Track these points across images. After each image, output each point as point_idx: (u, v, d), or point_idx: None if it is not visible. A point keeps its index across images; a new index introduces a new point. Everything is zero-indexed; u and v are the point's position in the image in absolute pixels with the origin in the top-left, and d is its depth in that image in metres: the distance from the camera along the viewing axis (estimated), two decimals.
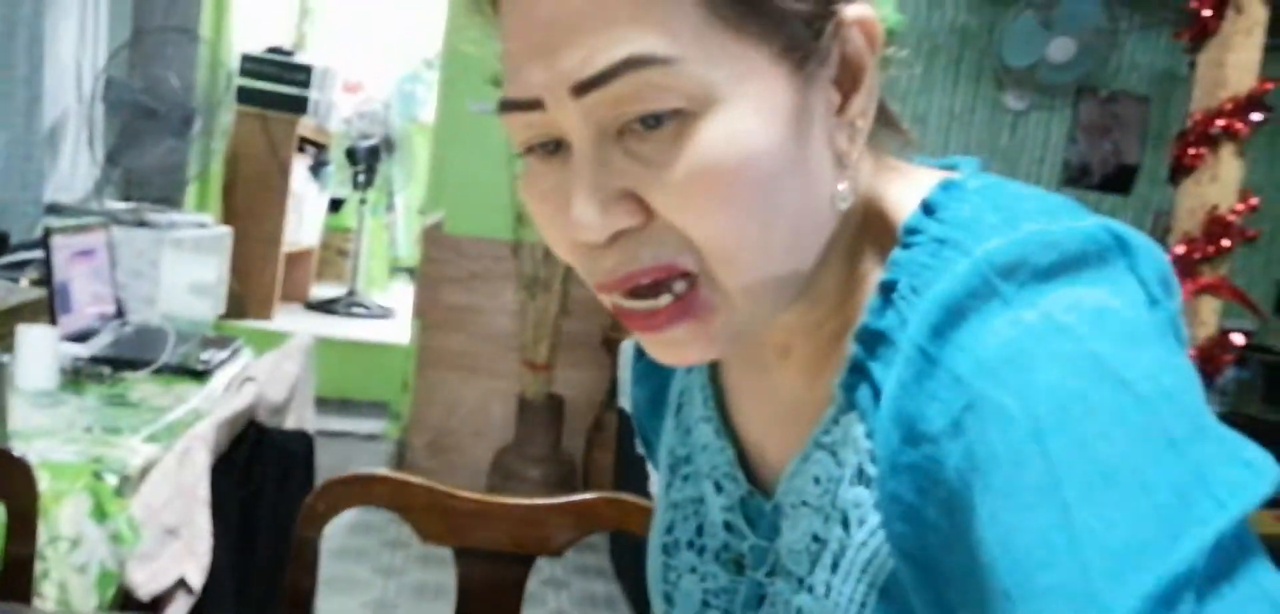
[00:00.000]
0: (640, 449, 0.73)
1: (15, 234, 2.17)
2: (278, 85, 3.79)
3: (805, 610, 0.49)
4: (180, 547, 1.30)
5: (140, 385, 1.65)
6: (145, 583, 1.24)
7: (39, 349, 1.53)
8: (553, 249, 0.46)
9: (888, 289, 0.45)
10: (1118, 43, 3.46)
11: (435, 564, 2.76)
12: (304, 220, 4.22)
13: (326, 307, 4.33)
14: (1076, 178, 3.57)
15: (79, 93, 2.60)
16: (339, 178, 4.45)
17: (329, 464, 1.14)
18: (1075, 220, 0.41)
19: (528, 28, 0.42)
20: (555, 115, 0.42)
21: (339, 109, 4.39)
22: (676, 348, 0.45)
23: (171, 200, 2.89)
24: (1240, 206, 1.88)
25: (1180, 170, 1.93)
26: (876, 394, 0.44)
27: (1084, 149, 3.56)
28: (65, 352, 1.64)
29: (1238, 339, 1.93)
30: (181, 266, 2.24)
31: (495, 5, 0.45)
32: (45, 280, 1.78)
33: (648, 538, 1.01)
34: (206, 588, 1.30)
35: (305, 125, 3.90)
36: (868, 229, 0.48)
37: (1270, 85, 1.92)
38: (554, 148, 0.44)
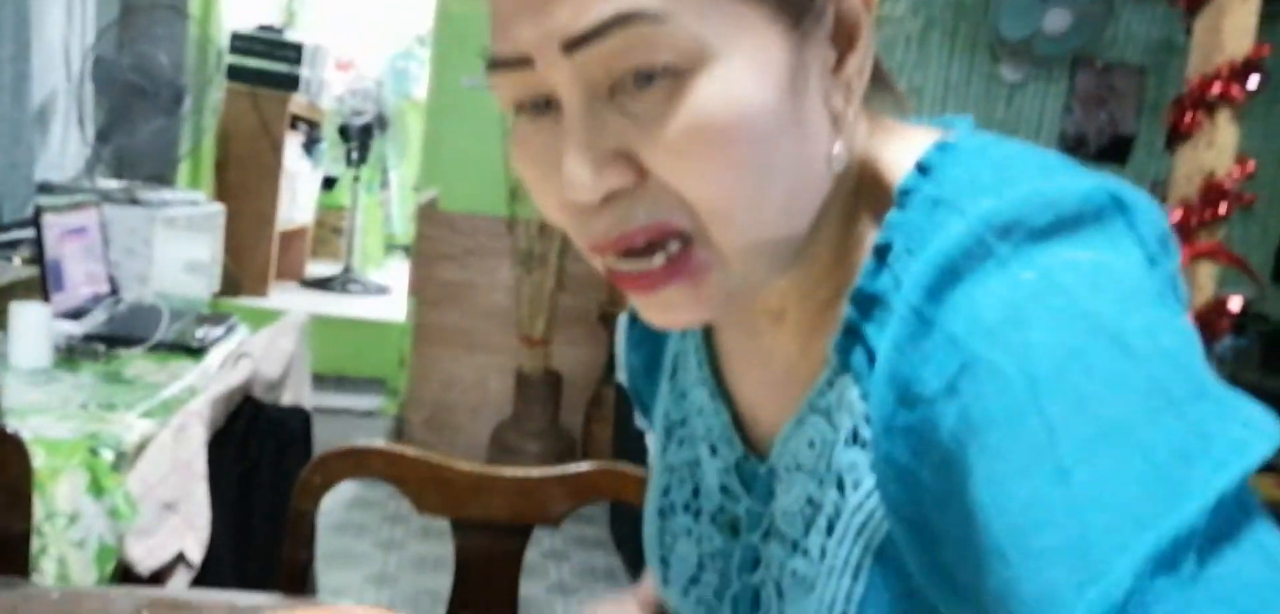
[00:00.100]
0: (638, 415, 0.73)
1: (6, 213, 2.15)
2: (268, 63, 3.76)
3: (800, 573, 0.49)
4: (179, 521, 1.30)
5: (135, 362, 1.65)
6: (144, 558, 1.24)
7: (32, 327, 1.52)
8: (544, 212, 0.46)
9: (882, 251, 0.44)
10: (1114, 13, 3.44)
11: (435, 537, 2.77)
12: (298, 198, 4.20)
13: (322, 284, 4.31)
14: (1073, 149, 3.56)
15: (68, 71, 2.58)
16: (332, 156, 4.43)
17: (327, 440, 1.13)
18: (1072, 179, 0.40)
19: None
20: (545, 73, 0.41)
21: (331, 87, 4.36)
22: (670, 310, 0.44)
23: (163, 178, 2.87)
24: (1237, 172, 1.88)
25: (1177, 136, 1.92)
26: (871, 356, 0.44)
27: (1080, 120, 3.55)
28: (59, 329, 1.63)
29: (1235, 305, 1.93)
30: (175, 245, 2.23)
31: None
32: (37, 259, 1.77)
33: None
34: (205, 562, 1.30)
35: (297, 103, 3.87)
36: (863, 191, 0.47)
37: (1267, 50, 1.91)
38: (544, 107, 0.43)
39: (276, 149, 3.77)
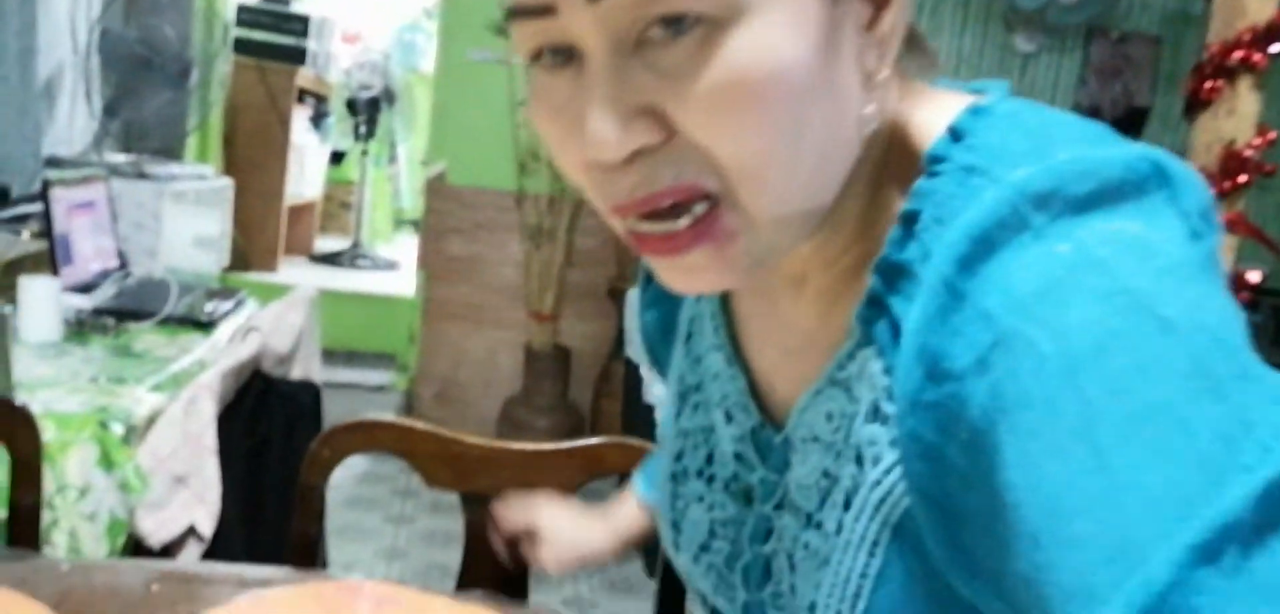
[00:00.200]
0: (646, 388, 0.73)
1: (15, 187, 2.15)
2: (275, 35, 3.74)
3: (813, 547, 0.48)
4: (189, 495, 1.30)
5: (144, 336, 1.65)
6: (155, 531, 1.24)
7: (42, 300, 1.52)
8: (562, 170, 0.44)
9: (910, 219, 0.43)
10: None
11: (444, 511, 2.78)
12: (306, 172, 4.20)
13: (331, 259, 4.32)
14: None
15: (74, 45, 2.57)
16: (340, 129, 4.42)
17: (337, 415, 1.13)
18: (1113, 147, 0.38)
19: None
20: (567, 21, 0.39)
21: (338, 60, 4.34)
22: (693, 274, 0.42)
23: (171, 152, 2.86)
24: (1258, 141, 1.84)
25: (1196, 105, 1.88)
26: (895, 329, 0.42)
27: (1094, 91, 3.50)
28: (68, 303, 1.63)
29: (1254, 278, 1.90)
30: (183, 219, 2.22)
31: None
32: (46, 233, 1.77)
33: None
34: (216, 536, 1.30)
35: (304, 76, 3.86)
36: (891, 155, 0.45)
37: None
38: (565, 58, 0.41)
39: (284, 123, 3.76)
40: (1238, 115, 1.85)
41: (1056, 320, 0.35)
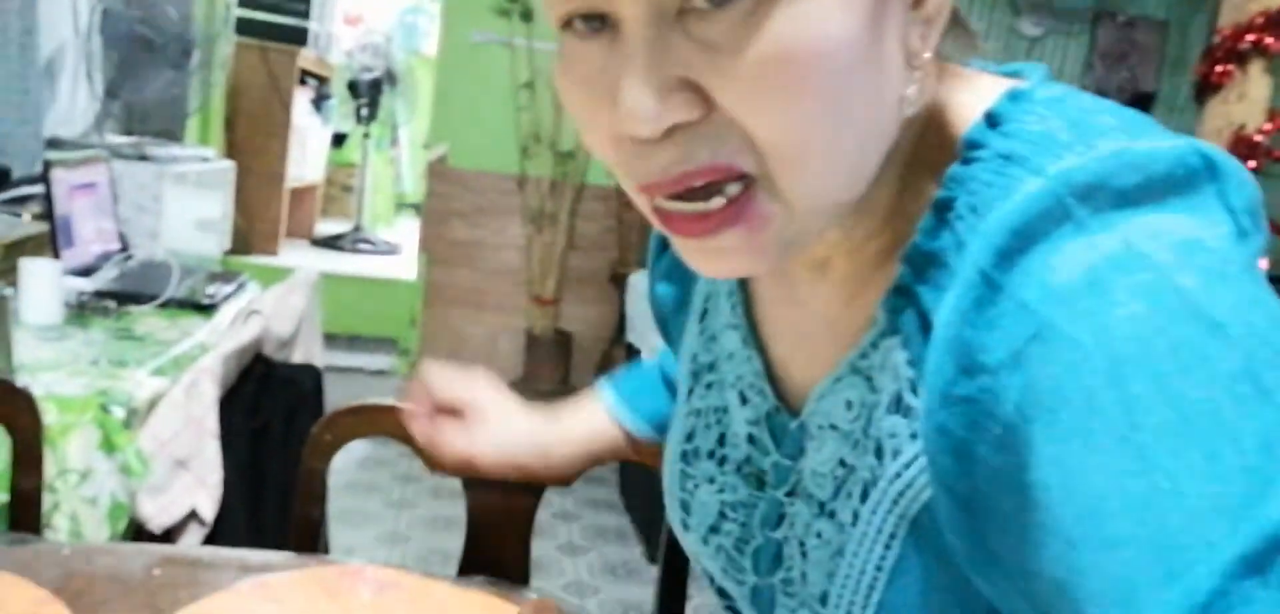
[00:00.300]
0: (663, 346, 0.72)
1: (16, 169, 2.14)
2: (276, 16, 3.72)
3: (825, 536, 0.47)
4: (191, 479, 1.30)
5: (146, 319, 1.64)
6: (156, 515, 1.24)
7: (43, 283, 1.52)
8: (589, 144, 0.42)
9: (943, 207, 0.41)
10: None
11: (446, 497, 2.78)
12: (307, 155, 4.18)
13: (332, 242, 4.31)
14: None
15: (75, 25, 2.55)
16: (341, 112, 4.40)
17: (338, 399, 1.13)
18: (1161, 139, 0.37)
19: None
20: None
21: (340, 41, 4.32)
22: (723, 257, 0.41)
23: (172, 134, 2.85)
24: (1269, 126, 1.83)
25: (1206, 89, 1.87)
26: (923, 320, 0.41)
27: (1101, 76, 3.48)
28: (69, 285, 1.63)
29: (1261, 265, 1.89)
30: (185, 201, 2.21)
31: None
32: (47, 215, 1.76)
33: (657, 468, 1.01)
34: (218, 520, 1.30)
35: (306, 58, 3.84)
36: (923, 139, 0.44)
37: None
38: (598, 25, 0.39)
39: (285, 104, 3.74)
40: (1248, 100, 1.83)
41: (1100, 316, 0.33)
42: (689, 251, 0.42)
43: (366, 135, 4.43)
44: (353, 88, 4.26)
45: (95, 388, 1.25)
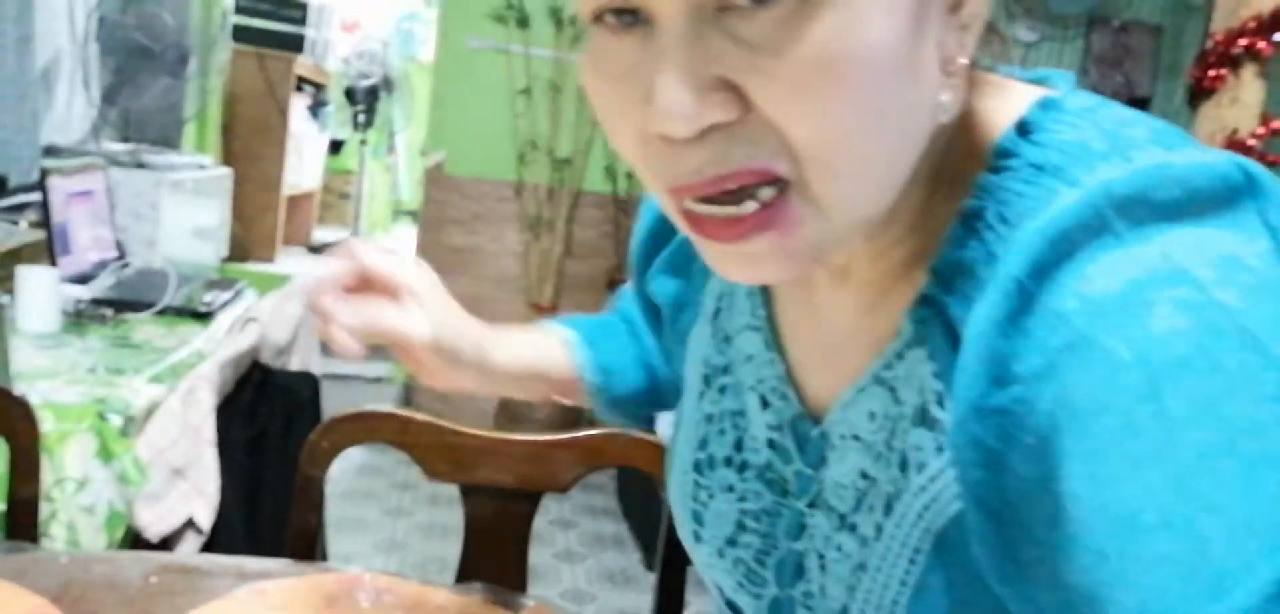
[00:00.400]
0: (627, 296, 0.71)
1: (12, 177, 2.14)
2: (273, 23, 3.72)
3: (846, 549, 0.46)
4: (188, 487, 1.29)
5: (143, 327, 1.64)
6: (154, 523, 1.24)
7: (40, 291, 1.52)
8: (614, 142, 0.41)
9: (972, 216, 0.40)
10: None
11: (444, 504, 2.78)
12: (304, 162, 4.18)
13: (329, 249, 4.30)
14: None
15: (72, 32, 2.55)
16: (338, 119, 4.40)
17: (336, 406, 1.13)
18: (1201, 154, 0.36)
19: None
20: None
21: (336, 48, 4.33)
22: (753, 262, 0.40)
23: (169, 141, 2.85)
24: (1262, 130, 1.83)
25: (1200, 93, 1.87)
26: (950, 332, 0.41)
27: (1095, 81, 3.49)
28: (66, 293, 1.63)
29: None
30: (182, 209, 2.21)
31: None
32: (44, 222, 1.76)
33: (656, 474, 1.01)
34: (215, 528, 1.30)
35: (303, 65, 3.84)
36: (951, 147, 0.43)
37: None
38: (631, 19, 0.38)
39: (282, 112, 3.74)
40: (1241, 104, 1.84)
41: (1138, 330, 0.33)
42: (717, 256, 0.41)
43: (363, 142, 4.43)
44: (350, 95, 4.25)
45: (92, 396, 1.25)
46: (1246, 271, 0.33)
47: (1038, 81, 0.45)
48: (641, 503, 2.67)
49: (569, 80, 3.40)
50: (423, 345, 0.57)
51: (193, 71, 2.54)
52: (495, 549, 1.01)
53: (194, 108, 2.73)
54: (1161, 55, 3.49)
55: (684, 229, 0.41)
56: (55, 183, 1.78)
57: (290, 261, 3.89)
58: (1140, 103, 3.52)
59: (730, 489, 0.53)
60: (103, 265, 1.90)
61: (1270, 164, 1.85)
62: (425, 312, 0.58)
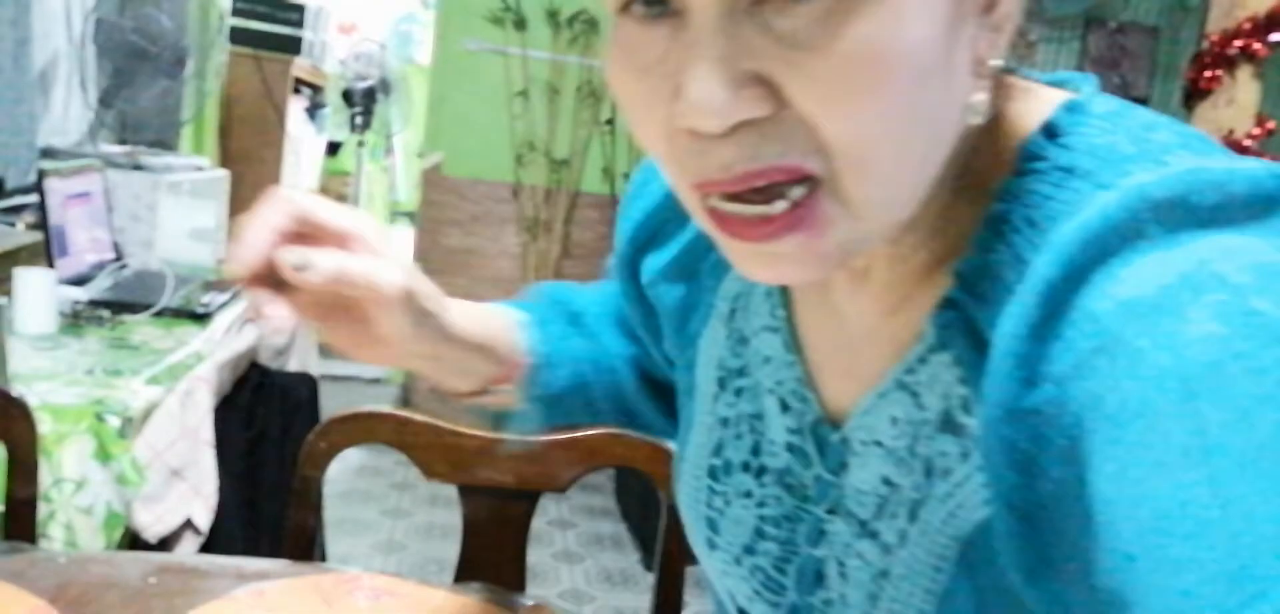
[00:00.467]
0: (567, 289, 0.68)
1: (10, 178, 2.14)
2: (270, 25, 3.72)
3: (867, 557, 0.45)
4: (186, 488, 1.29)
5: (140, 328, 1.64)
6: (152, 524, 1.24)
7: (37, 292, 1.52)
8: (638, 135, 0.40)
9: (997, 220, 0.40)
10: None
11: (442, 505, 2.78)
12: (301, 164, 4.18)
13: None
14: None
15: (69, 34, 2.55)
16: (335, 121, 4.40)
17: (334, 407, 1.13)
18: (1237, 161, 0.36)
19: None
20: None
21: (334, 50, 4.32)
22: (779, 263, 0.38)
23: (167, 143, 2.85)
24: (1257, 131, 1.84)
25: (1195, 94, 1.88)
26: (974, 336, 0.40)
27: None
28: (64, 295, 1.63)
29: None
30: (180, 211, 2.21)
31: None
32: (41, 224, 1.76)
33: (654, 474, 1.01)
34: (214, 529, 1.30)
35: (300, 67, 3.84)
36: (975, 150, 0.41)
37: None
38: (660, 9, 0.37)
39: (280, 114, 3.74)
40: (1237, 105, 1.85)
41: (1173, 333, 0.32)
42: (742, 255, 0.39)
43: (361, 144, 4.43)
44: (347, 96, 4.25)
45: (90, 397, 1.25)
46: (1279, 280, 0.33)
47: (1058, 84, 0.44)
48: (640, 503, 2.67)
49: (566, 82, 3.41)
50: (395, 297, 0.49)
51: (190, 73, 2.54)
52: (494, 549, 1.02)
53: (191, 110, 2.73)
54: (1158, 56, 3.50)
55: (707, 226, 0.40)
56: (53, 185, 1.78)
57: None
58: (1136, 103, 3.52)
59: (748, 495, 0.51)
60: (100, 267, 1.90)
61: None
62: (376, 258, 0.50)
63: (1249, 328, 0.32)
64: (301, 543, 0.98)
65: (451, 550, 1.02)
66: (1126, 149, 0.38)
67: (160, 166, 2.34)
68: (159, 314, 1.70)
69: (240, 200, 3.35)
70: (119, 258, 2.02)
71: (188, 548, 1.28)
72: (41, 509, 1.07)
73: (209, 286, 1.92)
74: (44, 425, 1.12)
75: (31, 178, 2.02)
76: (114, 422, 1.21)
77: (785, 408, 0.50)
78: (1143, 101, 2.79)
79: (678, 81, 0.36)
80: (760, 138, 0.36)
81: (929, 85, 0.36)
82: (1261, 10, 1.76)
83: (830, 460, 0.48)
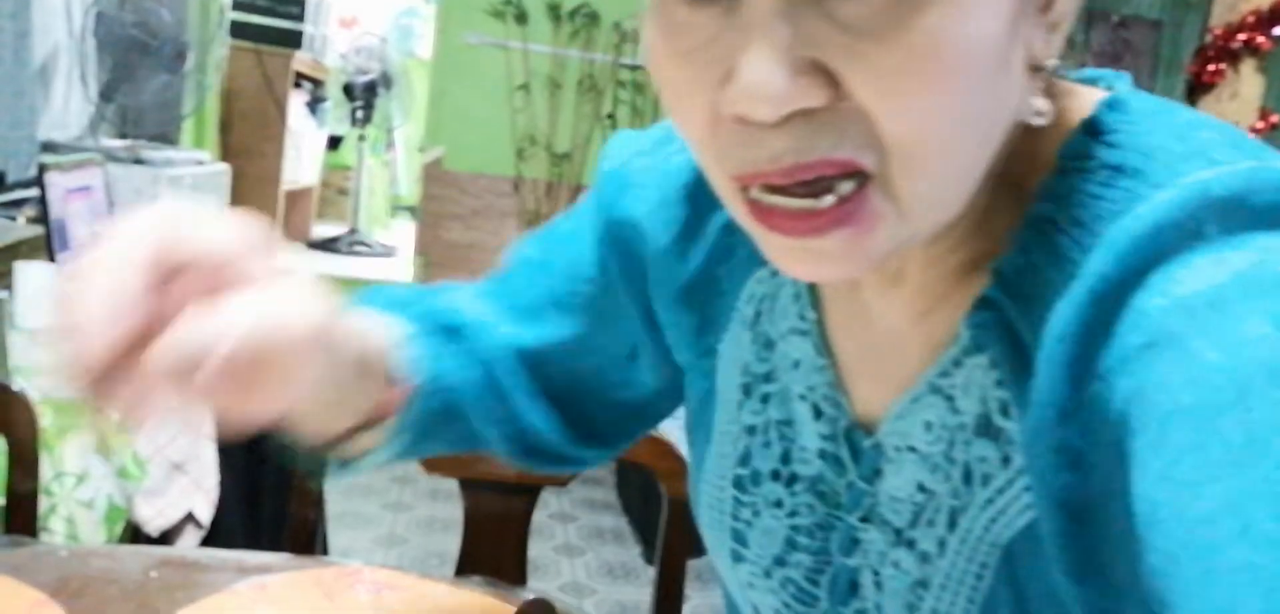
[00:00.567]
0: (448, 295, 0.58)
1: (10, 172, 2.14)
2: (271, 18, 3.72)
3: (903, 566, 0.44)
4: (187, 482, 1.30)
5: None
6: (153, 518, 1.24)
7: (38, 287, 1.52)
8: (678, 122, 0.38)
9: (1039, 220, 0.39)
10: None
11: (443, 499, 2.78)
12: (302, 158, 4.18)
13: (328, 245, 4.30)
14: None
15: (69, 28, 2.55)
16: (336, 115, 4.40)
17: None
18: None
19: None
20: None
21: (335, 44, 4.32)
22: (822, 259, 0.37)
23: (167, 137, 2.85)
24: (1261, 125, 1.84)
25: (1199, 88, 1.88)
26: (1012, 337, 0.39)
27: None
28: None
29: None
30: (181, 205, 2.22)
31: None
32: (42, 218, 1.76)
33: (656, 468, 1.01)
34: (215, 522, 1.30)
35: (301, 60, 3.84)
36: (1014, 149, 0.40)
37: None
38: None
39: (280, 107, 3.74)
40: (1240, 99, 1.85)
41: (1228, 333, 0.31)
42: (781, 250, 0.38)
43: (362, 138, 4.43)
44: (348, 90, 4.25)
45: None
46: None
47: (1091, 81, 0.43)
48: (641, 497, 2.67)
49: (568, 76, 3.40)
50: (312, 337, 0.39)
51: (190, 67, 2.54)
52: (495, 543, 1.02)
53: (192, 104, 2.73)
54: (1161, 50, 3.49)
55: (744, 218, 0.38)
56: (53, 179, 1.78)
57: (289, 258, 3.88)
58: None
59: (778, 504, 0.50)
60: None
61: None
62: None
63: None
64: (303, 537, 0.98)
65: (453, 544, 1.02)
66: (1176, 147, 0.37)
67: (161, 161, 2.34)
68: None
69: (241, 194, 3.35)
70: None
71: (189, 542, 1.28)
72: (42, 503, 1.07)
73: None
74: (45, 419, 1.12)
75: (32, 172, 2.02)
76: (114, 417, 1.21)
77: (818, 414, 0.48)
78: None
79: (728, 66, 0.34)
80: (813, 129, 0.34)
81: (988, 83, 0.35)
82: (1265, 4, 1.75)
83: (864, 467, 0.47)
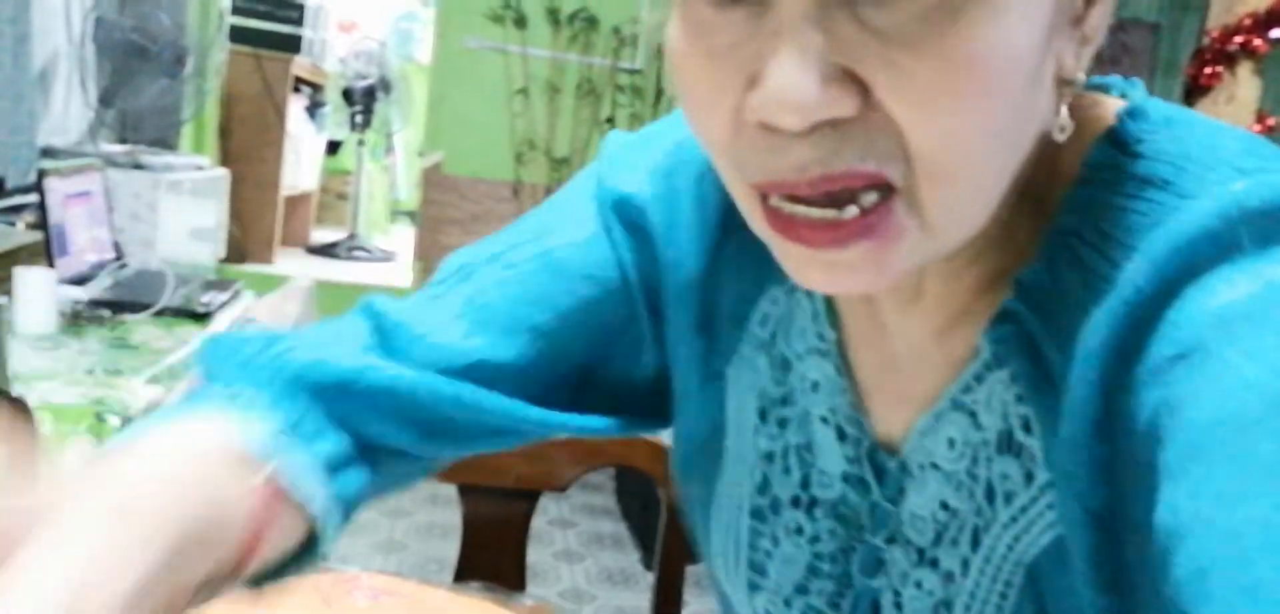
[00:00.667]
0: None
1: (10, 178, 2.14)
2: (270, 23, 3.72)
3: (926, 586, 0.44)
4: None
5: (141, 328, 1.64)
6: None
7: (37, 292, 1.52)
8: (697, 129, 0.37)
9: (1064, 232, 0.38)
10: None
11: (442, 504, 2.78)
12: (302, 163, 4.18)
13: (327, 250, 4.31)
14: None
15: (69, 33, 2.55)
16: (336, 119, 4.40)
17: None
18: None
19: None
20: None
21: (334, 48, 4.33)
22: (843, 271, 0.36)
23: (167, 142, 2.85)
24: (1258, 128, 1.84)
25: (1196, 91, 1.88)
26: (1034, 352, 0.38)
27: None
28: (64, 295, 1.63)
29: None
30: (180, 210, 2.21)
31: None
32: (41, 224, 1.76)
33: (655, 473, 1.01)
34: None
35: (300, 65, 3.84)
36: (1036, 161, 0.39)
37: None
38: None
39: (280, 112, 3.74)
40: (1237, 101, 1.85)
41: (1263, 346, 0.31)
42: (801, 261, 0.37)
43: (361, 143, 4.43)
44: (347, 95, 4.26)
45: (91, 397, 1.25)
46: None
47: (1101, 89, 0.42)
48: (640, 502, 2.67)
49: (567, 80, 3.41)
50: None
51: (190, 72, 2.54)
52: (494, 549, 1.02)
53: (191, 109, 2.73)
54: (1158, 52, 3.50)
55: (761, 227, 0.37)
56: (53, 184, 1.78)
57: (288, 262, 3.89)
58: None
59: (799, 531, 0.48)
60: (100, 266, 1.90)
61: None
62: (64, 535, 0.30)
63: None
64: None
65: (451, 550, 1.02)
66: (1203, 157, 0.37)
67: (160, 166, 2.35)
68: (159, 314, 1.70)
69: (240, 199, 3.35)
70: (119, 257, 2.02)
71: None
72: None
73: (209, 286, 1.92)
74: (44, 425, 1.12)
75: (31, 177, 2.02)
76: (115, 421, 1.21)
77: (842, 436, 0.47)
78: None
79: (755, 70, 0.33)
80: (840, 139, 0.33)
81: (1020, 97, 0.34)
82: (1262, 6, 1.76)
83: (889, 487, 0.46)
